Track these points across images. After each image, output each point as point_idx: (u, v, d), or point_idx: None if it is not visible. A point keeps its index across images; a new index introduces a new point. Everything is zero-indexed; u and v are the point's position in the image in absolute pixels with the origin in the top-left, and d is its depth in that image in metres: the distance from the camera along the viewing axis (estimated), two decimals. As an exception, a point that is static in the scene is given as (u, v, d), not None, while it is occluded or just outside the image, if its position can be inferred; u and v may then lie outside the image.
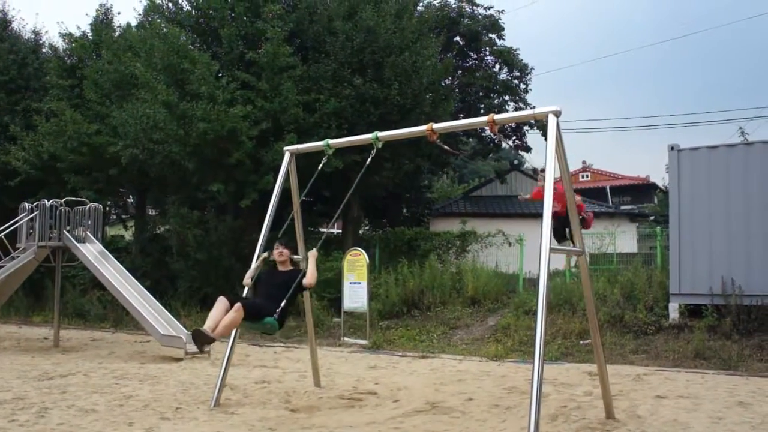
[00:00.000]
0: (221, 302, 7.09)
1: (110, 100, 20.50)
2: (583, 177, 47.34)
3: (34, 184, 22.82)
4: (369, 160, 7.73)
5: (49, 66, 24.55)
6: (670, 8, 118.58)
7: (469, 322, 15.40)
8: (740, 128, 18.87)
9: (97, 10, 24.92)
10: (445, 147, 7.65)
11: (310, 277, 7.51)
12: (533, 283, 16.76)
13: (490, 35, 26.92)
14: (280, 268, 7.78)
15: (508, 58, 26.65)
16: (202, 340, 6.82)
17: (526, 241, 18.69)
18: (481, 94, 26.56)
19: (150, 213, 26.31)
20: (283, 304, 7.07)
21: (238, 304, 6.89)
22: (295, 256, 8.18)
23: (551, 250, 5.81)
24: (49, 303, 21.19)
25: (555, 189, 7.04)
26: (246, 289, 7.92)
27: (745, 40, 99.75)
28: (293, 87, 17.80)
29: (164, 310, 14.31)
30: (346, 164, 16.85)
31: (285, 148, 8.95)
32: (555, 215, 7.30)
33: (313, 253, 7.69)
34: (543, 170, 7.58)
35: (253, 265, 7.99)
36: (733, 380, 9.77)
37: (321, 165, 8.30)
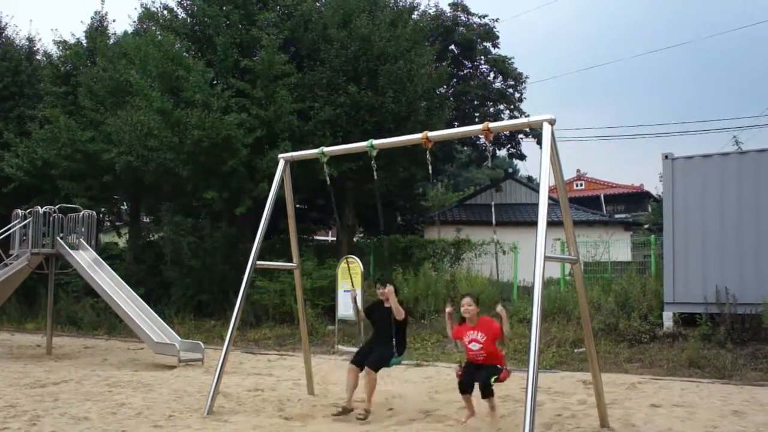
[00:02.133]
0: (351, 371, 8.00)
1: (105, 107, 20.48)
2: (577, 185, 47.38)
3: (28, 190, 22.78)
4: (373, 165, 7.72)
5: (43, 73, 24.56)
6: (665, 17, 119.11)
7: (464, 330, 15.36)
8: (734, 137, 18.93)
9: (91, 18, 24.94)
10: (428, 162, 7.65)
11: (397, 314, 7.92)
12: (527, 291, 16.76)
13: (484, 44, 27.02)
14: (386, 304, 8.14)
15: (503, 66, 26.75)
16: (361, 416, 7.70)
17: (520, 249, 18.69)
18: (476, 102, 26.65)
19: (144, 220, 26.25)
20: (393, 343, 7.87)
21: (367, 369, 7.79)
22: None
23: (546, 258, 5.81)
24: (42, 310, 21.08)
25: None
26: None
27: (739, 50, 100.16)
28: (288, 95, 17.82)
29: (158, 317, 14.29)
30: (341, 172, 16.85)
31: (279, 155, 8.95)
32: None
33: (390, 290, 7.98)
34: (467, 297, 7.65)
35: (356, 305, 9.31)
36: (728, 389, 9.77)
37: (327, 173, 8.37)
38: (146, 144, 18.00)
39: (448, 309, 7.88)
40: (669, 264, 13.29)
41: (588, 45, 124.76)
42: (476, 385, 7.25)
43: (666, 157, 13.65)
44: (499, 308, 7.48)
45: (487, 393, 7.15)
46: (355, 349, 14.51)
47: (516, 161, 33.84)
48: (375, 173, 7.75)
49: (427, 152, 7.41)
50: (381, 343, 7.99)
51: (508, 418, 7.74)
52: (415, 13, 22.53)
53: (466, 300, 7.51)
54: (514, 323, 14.83)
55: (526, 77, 27.25)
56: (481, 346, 7.27)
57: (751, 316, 12.18)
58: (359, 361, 7.93)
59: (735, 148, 16.84)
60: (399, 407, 8.54)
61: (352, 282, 11.94)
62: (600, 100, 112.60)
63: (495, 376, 7.12)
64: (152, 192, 21.94)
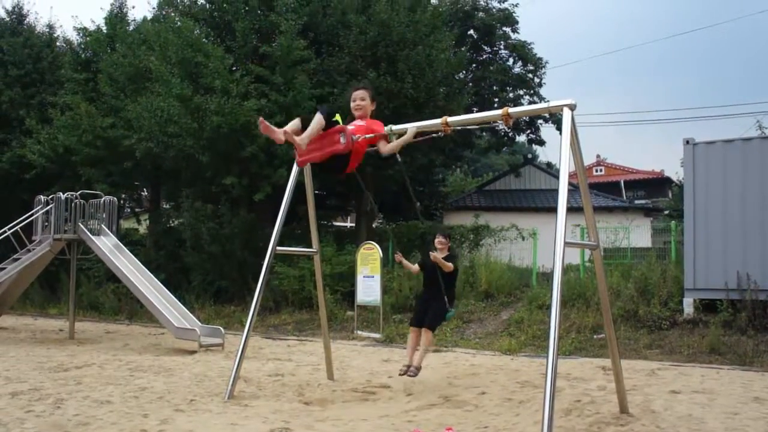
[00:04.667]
0: (413, 332, 8.63)
1: (125, 94, 20.58)
2: (597, 171, 47.08)
3: (50, 177, 22.97)
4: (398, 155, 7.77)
5: (63, 60, 24.70)
6: (685, 0, 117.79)
7: (483, 316, 15.38)
8: (757, 122, 18.75)
9: (111, 4, 25.06)
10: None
11: (444, 267, 8.32)
12: (547, 277, 16.72)
13: (504, 29, 26.85)
14: (432, 254, 8.46)
15: (523, 51, 26.59)
16: (411, 374, 8.27)
17: (539, 235, 18.63)
18: (495, 87, 26.52)
19: (164, 206, 26.42)
20: (445, 298, 8.28)
21: (425, 329, 8.35)
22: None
23: (566, 244, 5.79)
24: (64, 295, 21.34)
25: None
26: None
27: (761, 33, 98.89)
28: (307, 80, 17.82)
29: (178, 302, 14.38)
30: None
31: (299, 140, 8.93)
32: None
33: (435, 256, 8.37)
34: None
35: (405, 263, 8.96)
36: (749, 375, 9.72)
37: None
38: (166, 130, 18.08)
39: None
40: (690, 250, 13.19)
41: (609, 29, 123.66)
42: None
43: (687, 142, 13.53)
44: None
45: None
46: (375, 335, 14.67)
47: (535, 147, 33.65)
48: (398, 156, 7.78)
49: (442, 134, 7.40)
50: (432, 299, 8.42)
51: (527, 403, 7.74)
52: (434, -3, 22.44)
53: (358, 93, 7.50)
54: (533, 309, 14.84)
55: (546, 62, 27.10)
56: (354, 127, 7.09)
57: (773, 303, 12.09)
58: (418, 323, 8.49)
59: (758, 133, 16.67)
60: (418, 392, 8.56)
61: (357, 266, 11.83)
62: (620, 84, 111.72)
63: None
64: (172, 178, 22.05)
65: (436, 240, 8.75)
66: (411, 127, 7.35)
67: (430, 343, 8.48)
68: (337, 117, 6.46)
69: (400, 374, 8.47)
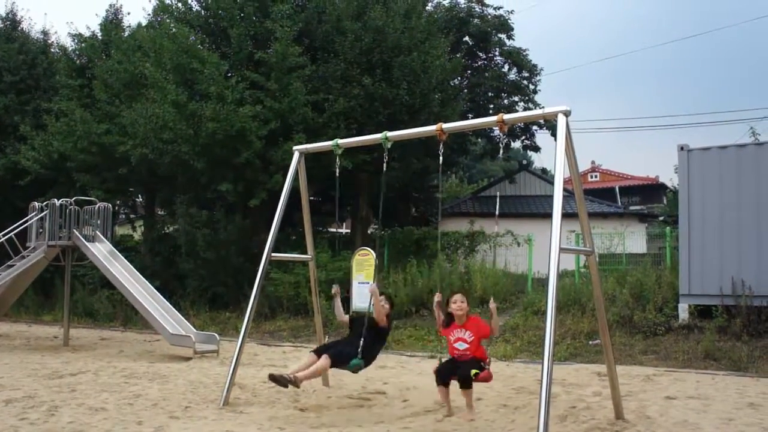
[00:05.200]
0: (310, 356, 7.49)
1: (120, 100, 20.57)
2: (592, 177, 47.23)
3: (44, 183, 22.95)
4: (385, 158, 7.70)
5: (58, 66, 24.68)
6: (679, 8, 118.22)
7: (478, 322, 15.35)
8: (751, 128, 18.77)
9: (106, 11, 25.05)
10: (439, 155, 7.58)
11: (377, 314, 7.52)
12: (542, 283, 16.74)
13: (499, 35, 26.92)
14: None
15: (518, 58, 26.66)
16: (283, 383, 7.15)
17: (534, 241, 18.65)
18: (490, 94, 26.58)
19: (159, 213, 26.38)
20: (361, 343, 7.18)
21: (325, 355, 7.25)
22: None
23: (561, 250, 5.80)
24: (58, 302, 21.27)
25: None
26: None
27: (755, 40, 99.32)
28: (302, 87, 17.82)
29: (173, 309, 14.35)
30: (355, 164, 16.85)
31: (294, 147, 8.96)
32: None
33: (372, 289, 7.70)
34: (459, 294, 7.58)
35: (336, 303, 8.38)
36: (743, 381, 9.73)
37: (337, 170, 8.36)
38: (161, 136, 18.06)
39: (437, 298, 7.64)
40: (684, 256, 13.21)
41: (603, 36, 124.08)
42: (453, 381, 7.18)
43: (682, 148, 13.56)
44: (492, 304, 7.33)
45: (467, 385, 6.94)
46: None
47: (530, 153, 33.71)
48: (375, 166, 7.71)
49: (441, 144, 7.39)
50: (349, 341, 7.51)
51: (522, 409, 7.74)
52: (430, 4, 22.49)
53: (458, 296, 7.34)
54: (528, 315, 14.84)
55: (541, 69, 27.17)
56: (467, 346, 7.07)
57: (768, 309, 12.12)
58: (320, 352, 7.43)
59: (752, 139, 16.71)
60: (414, 399, 8.56)
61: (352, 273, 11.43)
62: (615, 91, 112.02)
63: (476, 371, 6.82)
64: (167, 184, 22.03)
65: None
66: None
67: (321, 370, 7.46)
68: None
69: (269, 377, 7.36)
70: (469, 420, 7.08)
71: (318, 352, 7.42)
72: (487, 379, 6.88)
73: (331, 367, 7.35)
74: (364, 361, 7.21)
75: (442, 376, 7.18)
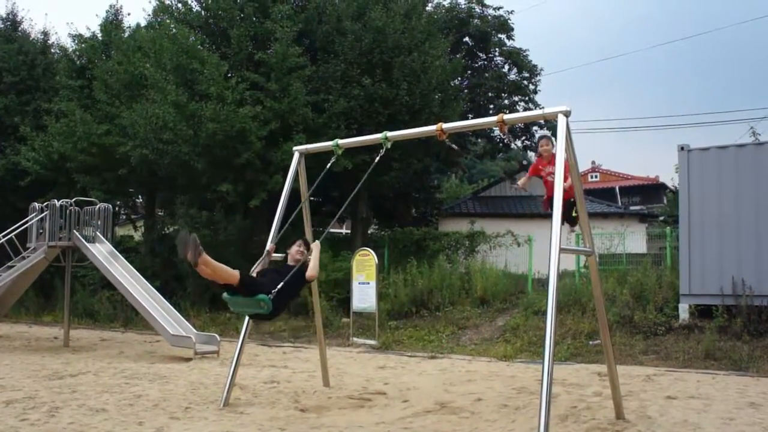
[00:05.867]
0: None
1: (120, 101, 20.56)
2: (592, 177, 47.17)
3: (44, 184, 22.94)
4: (377, 158, 7.68)
5: (58, 66, 24.69)
6: (679, 8, 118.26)
7: (478, 322, 15.38)
8: (751, 128, 18.76)
9: (106, 11, 25.05)
10: (453, 146, 7.59)
11: (312, 270, 7.08)
12: (542, 283, 16.74)
13: (499, 36, 26.91)
14: (290, 261, 7.40)
15: (518, 58, 26.66)
16: (188, 247, 6.17)
17: (535, 241, 18.64)
18: (490, 94, 26.56)
19: (159, 213, 26.38)
20: (280, 285, 6.53)
21: (237, 270, 6.56)
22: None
23: (561, 250, 5.80)
24: (59, 303, 21.27)
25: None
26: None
27: (755, 40, 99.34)
28: (302, 87, 17.82)
29: (173, 310, 14.36)
30: (355, 164, 16.85)
31: (294, 148, 8.96)
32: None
33: (316, 245, 7.34)
34: (543, 138, 7.80)
35: (260, 260, 7.76)
36: (744, 381, 9.73)
37: (329, 165, 8.33)
38: (161, 137, 18.06)
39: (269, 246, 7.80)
40: (685, 256, 13.21)
41: (603, 36, 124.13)
42: None
43: (682, 148, 13.56)
44: (314, 244, 7.33)
45: None
46: (370, 342, 14.64)
47: (531, 153, 33.68)
48: (375, 167, 7.68)
49: (446, 140, 7.38)
50: (269, 278, 6.85)
51: (523, 409, 7.75)
52: (430, 4, 22.47)
53: (543, 141, 7.84)
54: (529, 315, 14.84)
55: (541, 69, 27.17)
56: None
57: (768, 308, 12.11)
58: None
59: (752, 139, 16.72)
60: (414, 399, 8.56)
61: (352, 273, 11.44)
62: (615, 91, 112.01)
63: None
64: (167, 185, 22.02)
65: (295, 247, 7.49)
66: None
67: (225, 273, 6.50)
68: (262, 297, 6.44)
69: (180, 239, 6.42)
70: None
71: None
72: None
73: (238, 286, 6.52)
74: (272, 305, 6.48)
75: None
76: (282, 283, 6.54)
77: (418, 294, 16.70)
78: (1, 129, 24.91)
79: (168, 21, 20.35)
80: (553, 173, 6.95)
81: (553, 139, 7.64)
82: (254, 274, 7.20)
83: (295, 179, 8.73)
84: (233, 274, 6.47)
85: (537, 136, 7.17)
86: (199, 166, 18.08)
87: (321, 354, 9.48)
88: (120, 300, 18.84)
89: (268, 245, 7.99)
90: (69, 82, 23.22)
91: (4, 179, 24.15)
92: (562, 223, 6.33)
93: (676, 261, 14.51)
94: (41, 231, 15.16)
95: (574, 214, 7.52)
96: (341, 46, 18.42)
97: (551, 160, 7.49)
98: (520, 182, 8.07)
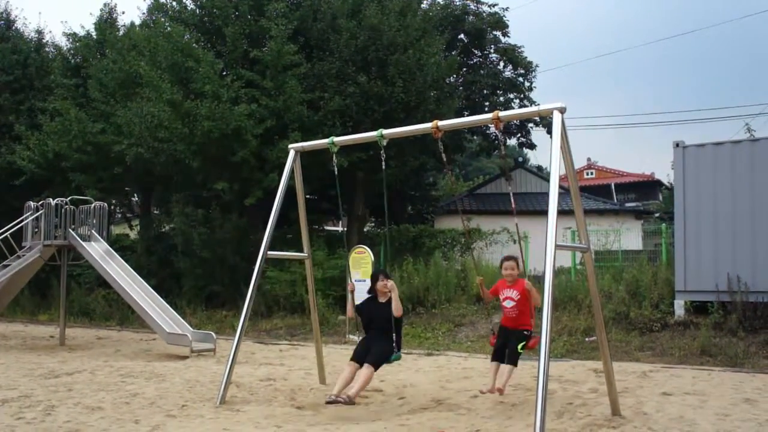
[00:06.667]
0: (350, 366, 7.71)
1: (115, 99, 20.53)
2: (587, 174, 47.21)
3: (40, 183, 22.89)
4: (383, 157, 7.68)
5: (53, 65, 24.64)
6: (675, 4, 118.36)
7: (475, 319, 15.38)
8: (746, 124, 18.77)
9: (101, 10, 24.99)
10: (443, 154, 7.57)
11: (396, 311, 7.70)
12: (538, 280, 16.69)
13: (494, 33, 26.93)
14: (381, 299, 7.96)
15: (513, 55, 26.69)
16: (342, 400, 7.34)
17: (530, 238, 18.66)
18: (485, 91, 26.58)
19: (155, 212, 26.35)
20: (394, 337, 7.67)
21: (367, 365, 7.53)
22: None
23: (557, 247, 5.80)
24: (54, 302, 21.25)
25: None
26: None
27: (750, 36, 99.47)
28: (297, 85, 17.81)
29: (170, 308, 14.34)
30: (351, 162, 16.85)
31: (290, 146, 8.95)
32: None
33: (392, 286, 7.81)
34: (509, 261, 8.07)
35: (349, 298, 8.48)
36: (739, 377, 9.75)
37: (335, 164, 8.36)
38: (156, 135, 18.04)
39: (478, 279, 8.22)
40: (680, 252, 13.23)
41: (598, 33, 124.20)
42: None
43: (677, 145, 13.57)
44: (390, 284, 7.79)
45: (513, 362, 7.45)
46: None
47: (526, 150, 33.75)
48: (371, 164, 7.70)
49: (439, 141, 7.40)
50: (380, 339, 7.72)
51: (519, 406, 7.76)
52: (425, 2, 22.46)
53: (509, 263, 7.87)
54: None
55: (536, 66, 27.19)
56: (515, 303, 7.55)
57: (763, 304, 12.12)
58: (359, 358, 7.66)
59: (747, 136, 16.73)
60: (410, 396, 8.56)
61: (349, 274, 11.35)
62: (611, 88, 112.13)
63: (523, 343, 7.39)
64: (163, 183, 22.01)
65: (380, 284, 7.93)
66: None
67: (368, 380, 7.58)
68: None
69: (326, 402, 7.48)
70: (502, 389, 7.43)
71: (357, 360, 7.68)
72: (535, 344, 7.17)
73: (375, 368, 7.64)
74: (401, 354, 7.87)
75: (496, 354, 7.68)
76: (394, 335, 7.69)
77: (414, 291, 16.70)
78: (-5, 128, 24.85)
79: (162, 19, 20.33)
80: (512, 298, 7.57)
81: (520, 261, 7.95)
82: (352, 313, 8.36)
83: (291, 177, 8.72)
84: (371, 376, 7.61)
85: (502, 257, 6.83)
86: (194, 165, 18.07)
87: (317, 351, 9.48)
88: (116, 298, 18.81)
89: (349, 284, 8.72)
90: (63, 81, 23.18)
91: (-1, 178, 24.11)
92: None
93: (671, 257, 14.53)
94: (36, 230, 15.13)
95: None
96: (336, 44, 18.41)
97: (514, 284, 7.64)
98: (484, 297, 8.43)
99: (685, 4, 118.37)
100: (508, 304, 7.61)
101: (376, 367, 7.59)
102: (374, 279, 8.08)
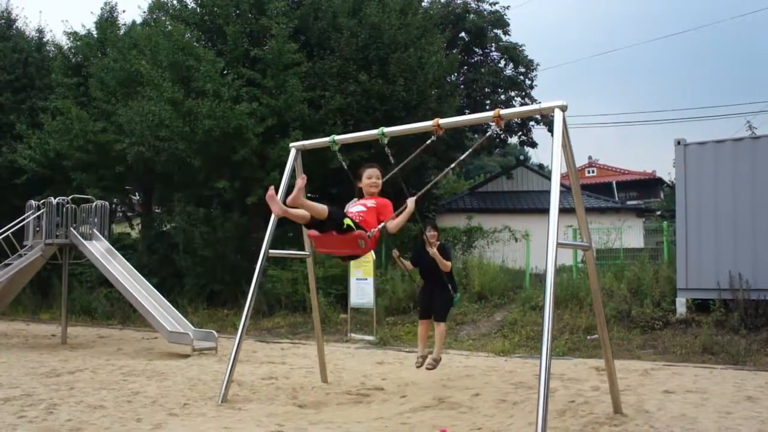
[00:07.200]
0: (423, 324, 8.86)
1: (116, 98, 20.54)
2: (589, 172, 47.19)
3: (41, 182, 22.91)
4: (388, 152, 7.66)
5: (54, 64, 24.65)
6: (676, 2, 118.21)
7: (476, 317, 15.39)
8: (748, 122, 18.75)
9: (101, 8, 24.99)
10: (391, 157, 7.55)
11: (445, 268, 8.54)
12: (540, 278, 16.74)
13: (495, 31, 26.90)
14: (429, 249, 8.61)
15: (514, 54, 26.65)
16: (429, 366, 8.51)
17: (532, 236, 18.66)
18: (487, 90, 26.56)
19: (156, 210, 26.36)
20: (449, 286, 8.49)
21: (435, 322, 8.55)
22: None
23: (558, 245, 5.79)
24: (56, 300, 21.26)
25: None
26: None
27: (752, 34, 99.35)
28: (298, 83, 17.80)
29: (171, 306, 14.33)
30: (352, 160, 16.83)
31: (291, 144, 8.95)
32: None
33: (433, 253, 8.55)
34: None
35: (403, 262, 9.06)
36: (741, 375, 9.74)
37: (341, 160, 8.35)
38: (157, 134, 18.05)
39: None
40: (682, 250, 13.22)
41: (600, 30, 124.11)
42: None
43: (678, 143, 13.56)
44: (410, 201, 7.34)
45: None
46: (368, 338, 14.65)
47: (527, 149, 33.72)
48: (391, 158, 7.67)
49: (433, 136, 7.38)
50: (436, 289, 8.57)
51: (521, 404, 7.75)
52: (425, 0, 22.42)
53: (374, 171, 7.35)
54: (526, 310, 14.85)
55: (537, 64, 27.16)
56: (364, 209, 6.93)
57: (765, 302, 12.11)
58: (426, 314, 8.71)
59: (749, 133, 16.71)
60: (412, 394, 8.56)
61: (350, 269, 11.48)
62: (612, 86, 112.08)
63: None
64: (164, 182, 22.01)
65: (429, 234, 8.83)
66: (410, 200, 7.39)
67: (444, 334, 8.57)
68: (348, 222, 6.39)
69: (416, 366, 8.66)
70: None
71: (426, 316, 8.75)
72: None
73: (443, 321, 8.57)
74: (458, 293, 8.90)
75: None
76: (450, 286, 8.56)
77: (415, 289, 16.68)
78: (-3, 127, 24.86)
79: (163, 18, 20.35)
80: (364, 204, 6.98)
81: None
82: (410, 265, 9.18)
83: (292, 175, 8.70)
84: (444, 327, 8.59)
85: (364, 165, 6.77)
86: (195, 163, 18.07)
87: (319, 350, 9.47)
88: (117, 297, 18.82)
89: (394, 252, 9.10)
90: (64, 80, 23.20)
91: (0, 177, 24.11)
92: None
93: (673, 255, 14.52)
94: (38, 228, 15.13)
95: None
96: (337, 43, 18.41)
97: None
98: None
99: (687, 2, 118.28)
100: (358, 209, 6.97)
101: (444, 319, 8.57)
102: (424, 228, 8.98)
